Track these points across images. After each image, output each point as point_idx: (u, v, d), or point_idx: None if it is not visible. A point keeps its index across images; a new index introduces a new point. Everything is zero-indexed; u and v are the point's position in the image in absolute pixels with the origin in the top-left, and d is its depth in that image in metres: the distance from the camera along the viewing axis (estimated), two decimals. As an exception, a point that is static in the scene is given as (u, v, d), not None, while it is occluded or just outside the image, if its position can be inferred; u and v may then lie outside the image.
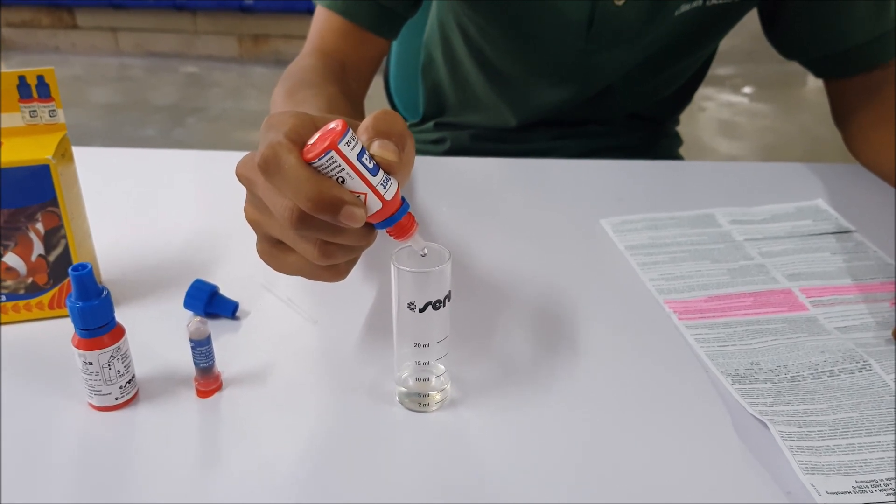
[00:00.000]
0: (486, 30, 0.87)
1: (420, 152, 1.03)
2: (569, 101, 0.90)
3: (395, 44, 1.16)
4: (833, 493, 0.43)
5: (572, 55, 0.84)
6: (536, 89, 0.90)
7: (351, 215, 0.40)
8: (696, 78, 0.97)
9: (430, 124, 1.04)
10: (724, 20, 0.83)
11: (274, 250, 0.46)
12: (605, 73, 0.87)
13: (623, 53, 0.84)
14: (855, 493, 0.43)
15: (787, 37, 0.86)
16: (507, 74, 0.90)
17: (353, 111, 0.73)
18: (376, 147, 0.42)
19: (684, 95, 0.99)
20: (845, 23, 0.81)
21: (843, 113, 0.87)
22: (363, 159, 0.41)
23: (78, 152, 0.60)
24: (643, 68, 0.87)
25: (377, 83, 1.23)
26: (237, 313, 0.58)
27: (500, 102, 0.94)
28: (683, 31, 0.82)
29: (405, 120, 1.13)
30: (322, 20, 0.81)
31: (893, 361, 0.53)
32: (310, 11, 0.84)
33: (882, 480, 0.44)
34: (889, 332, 0.56)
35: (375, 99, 1.28)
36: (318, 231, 0.42)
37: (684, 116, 1.06)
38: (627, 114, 0.96)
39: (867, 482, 0.44)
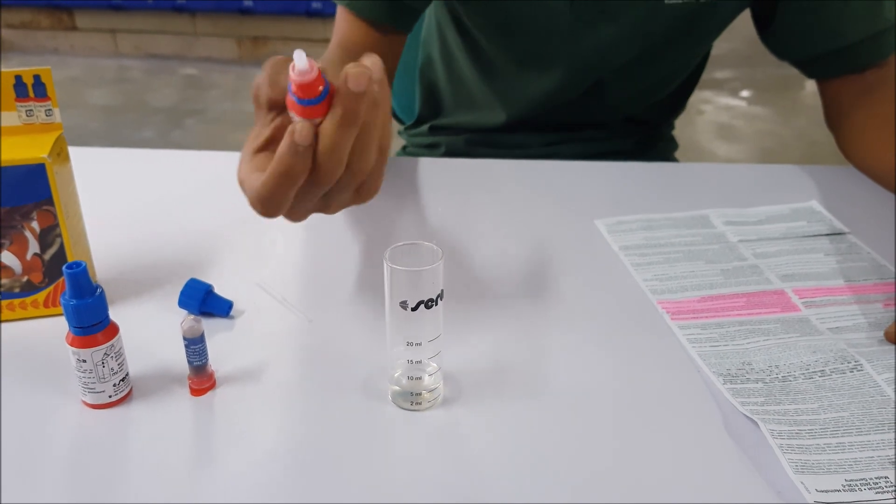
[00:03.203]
0: (473, 17, 0.88)
1: (415, 156, 1.04)
2: (560, 92, 0.90)
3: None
4: (823, 492, 0.43)
5: (559, 34, 0.84)
6: (527, 77, 0.90)
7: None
8: (689, 83, 0.97)
9: (425, 128, 1.04)
10: (714, 18, 0.83)
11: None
12: (594, 60, 0.87)
13: (610, 35, 0.83)
14: (844, 491, 0.43)
15: (780, 37, 0.86)
16: (497, 64, 0.91)
17: None
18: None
19: (678, 100, 0.99)
20: (839, 21, 0.81)
21: (836, 115, 0.87)
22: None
23: (74, 152, 0.60)
24: (634, 65, 0.87)
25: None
26: (231, 312, 0.59)
27: (492, 97, 0.94)
28: (674, 25, 0.82)
29: (402, 122, 1.14)
30: (341, 19, 0.83)
31: (885, 362, 0.53)
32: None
33: (871, 479, 0.44)
34: (881, 333, 0.56)
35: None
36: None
37: (682, 120, 1.06)
38: (623, 118, 0.96)
39: (857, 480, 0.44)
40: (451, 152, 0.99)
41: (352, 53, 0.80)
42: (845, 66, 0.83)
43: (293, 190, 0.44)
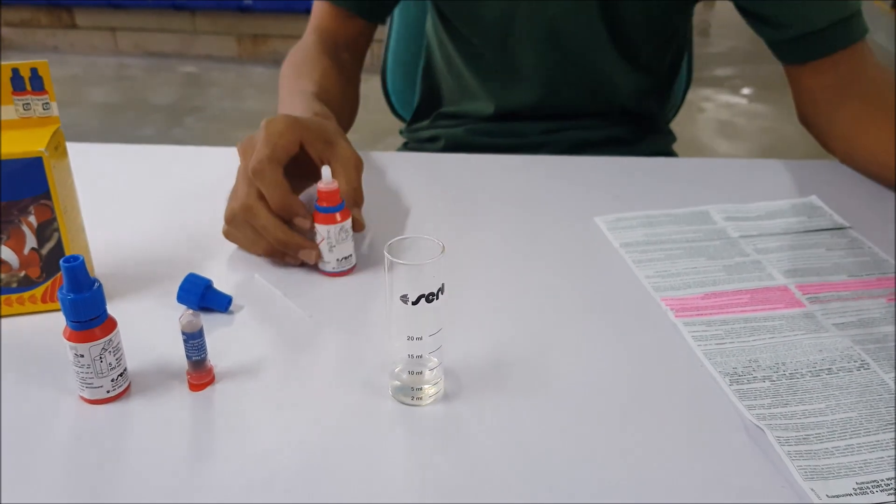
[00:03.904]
0: (447, 8, 0.93)
1: (416, 150, 1.04)
2: (544, 75, 0.92)
3: (391, 43, 1.17)
4: (834, 497, 0.42)
5: (521, 10, 0.87)
6: (511, 60, 0.92)
7: (307, 256, 0.62)
8: (672, 70, 0.98)
9: (426, 121, 1.05)
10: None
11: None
12: (560, 36, 0.88)
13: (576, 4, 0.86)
14: (856, 494, 0.42)
15: (752, 20, 0.86)
16: (481, 52, 0.94)
17: (343, 80, 0.89)
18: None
19: (663, 87, 1.00)
20: (807, 8, 0.81)
21: (811, 108, 0.87)
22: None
23: (72, 148, 0.60)
24: (605, 39, 0.89)
25: (374, 83, 1.23)
26: (231, 307, 0.58)
27: (484, 90, 0.96)
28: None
29: (403, 119, 1.16)
30: (317, 6, 0.94)
31: (892, 360, 0.53)
32: (308, 11, 0.94)
33: (883, 481, 0.43)
34: (887, 328, 0.56)
35: (373, 99, 1.28)
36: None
37: (683, 117, 1.06)
38: (618, 110, 0.96)
39: (868, 483, 0.43)
40: (451, 143, 1.00)
41: (326, 39, 0.91)
42: (815, 50, 0.83)
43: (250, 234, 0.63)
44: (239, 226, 0.62)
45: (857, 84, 0.82)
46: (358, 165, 0.65)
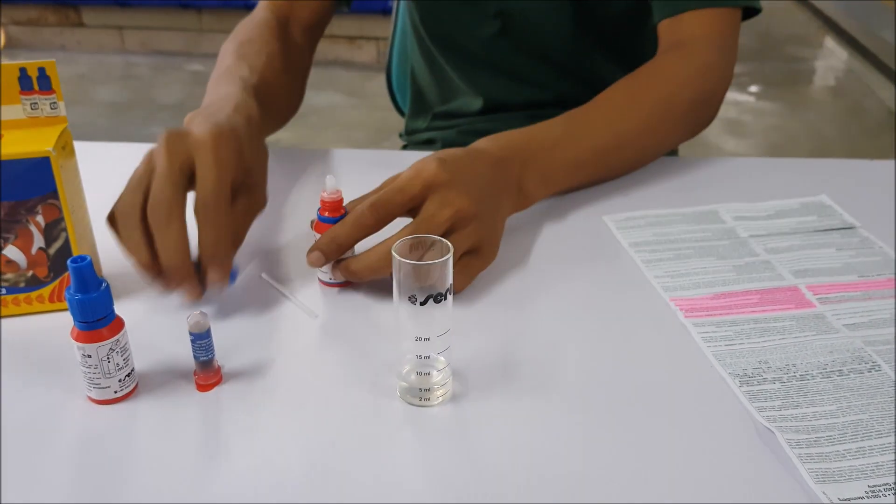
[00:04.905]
0: (415, 9, 0.93)
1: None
2: (525, 66, 0.93)
3: (396, 41, 1.17)
4: (846, 500, 0.42)
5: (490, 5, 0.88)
6: (489, 53, 0.93)
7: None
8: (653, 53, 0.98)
9: (422, 123, 1.05)
10: None
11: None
12: (536, 25, 0.89)
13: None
14: (868, 497, 0.42)
15: None
16: (461, 44, 0.94)
17: (290, 70, 0.83)
18: None
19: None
20: None
21: None
22: None
23: (80, 147, 0.60)
24: (577, 34, 0.89)
25: (381, 80, 1.23)
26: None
27: (468, 86, 0.97)
28: None
29: (403, 114, 1.17)
30: None
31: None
32: None
33: (895, 483, 0.43)
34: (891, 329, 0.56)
35: (379, 97, 1.28)
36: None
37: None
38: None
39: (880, 486, 0.43)
40: (447, 145, 1.00)
41: (280, 17, 0.86)
42: (666, 8, 0.81)
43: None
44: (130, 221, 0.55)
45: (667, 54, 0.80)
46: (260, 212, 0.62)
